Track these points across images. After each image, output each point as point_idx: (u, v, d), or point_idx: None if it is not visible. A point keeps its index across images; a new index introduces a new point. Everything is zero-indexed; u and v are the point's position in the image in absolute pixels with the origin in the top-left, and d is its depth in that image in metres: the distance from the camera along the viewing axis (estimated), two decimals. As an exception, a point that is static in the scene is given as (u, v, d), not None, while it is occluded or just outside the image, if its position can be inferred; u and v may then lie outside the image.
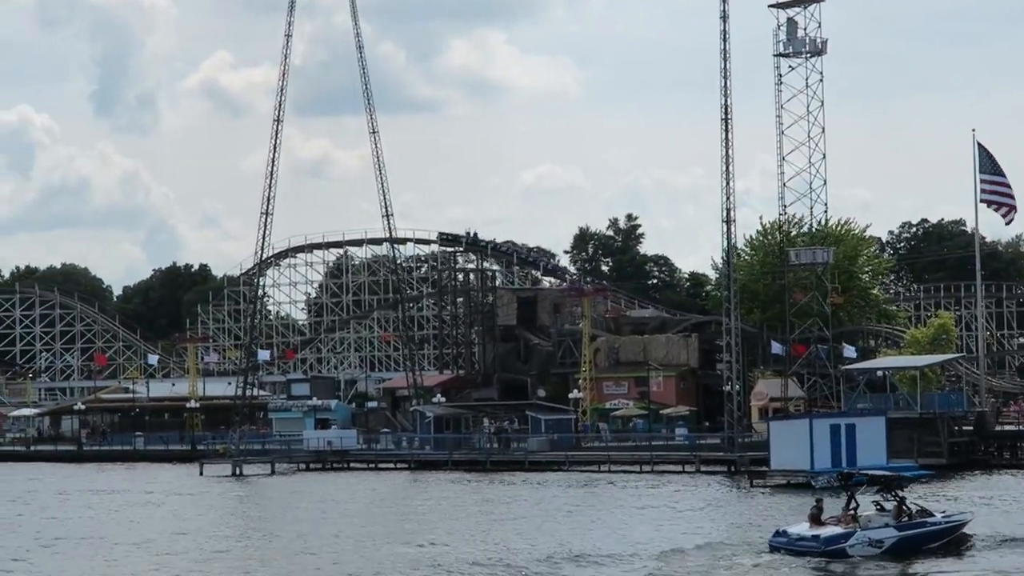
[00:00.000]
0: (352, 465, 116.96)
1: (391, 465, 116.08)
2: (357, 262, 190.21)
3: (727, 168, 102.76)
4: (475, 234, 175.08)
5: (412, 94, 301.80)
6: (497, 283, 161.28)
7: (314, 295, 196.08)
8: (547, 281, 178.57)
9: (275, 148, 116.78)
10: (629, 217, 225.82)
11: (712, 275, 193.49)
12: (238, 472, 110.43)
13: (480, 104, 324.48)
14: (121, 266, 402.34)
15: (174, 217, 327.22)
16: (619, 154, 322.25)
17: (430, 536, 64.27)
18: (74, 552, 62.23)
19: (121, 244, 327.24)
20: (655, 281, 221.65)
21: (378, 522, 72.18)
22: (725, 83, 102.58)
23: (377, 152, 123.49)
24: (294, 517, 75.49)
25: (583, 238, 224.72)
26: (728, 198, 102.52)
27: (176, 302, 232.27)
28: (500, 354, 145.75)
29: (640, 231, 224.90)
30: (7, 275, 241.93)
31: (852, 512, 53.67)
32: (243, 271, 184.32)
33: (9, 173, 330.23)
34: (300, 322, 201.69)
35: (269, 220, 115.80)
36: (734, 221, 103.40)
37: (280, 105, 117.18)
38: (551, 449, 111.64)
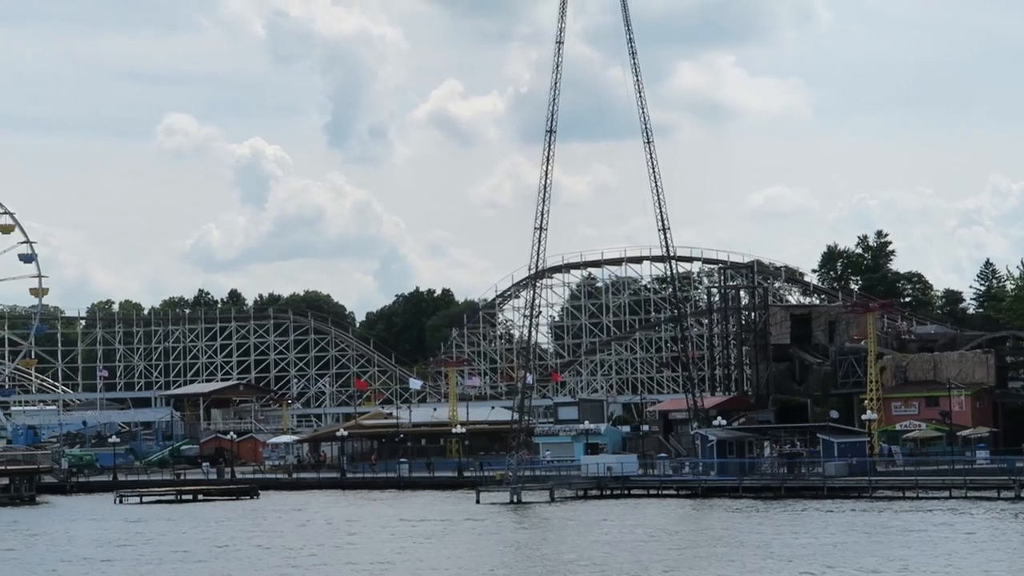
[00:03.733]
0: (632, 491, 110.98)
1: (673, 491, 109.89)
2: (599, 284, 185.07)
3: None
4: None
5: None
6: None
7: (560, 317, 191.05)
8: (792, 298, 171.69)
9: (548, 160, 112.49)
10: (879, 234, 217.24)
11: (968, 292, 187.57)
12: (516, 499, 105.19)
13: (708, 127, 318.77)
14: (353, 295, 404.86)
15: (405, 246, 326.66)
16: (846, 174, 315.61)
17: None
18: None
19: (353, 273, 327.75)
20: (908, 299, 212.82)
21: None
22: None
23: (652, 163, 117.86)
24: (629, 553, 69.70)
25: (831, 256, 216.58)
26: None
27: (419, 327, 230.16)
28: (774, 374, 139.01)
29: (891, 248, 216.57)
30: (250, 303, 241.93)
31: None
32: (499, 292, 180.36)
33: (244, 205, 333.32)
34: (545, 345, 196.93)
35: (543, 235, 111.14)
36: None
37: (552, 116, 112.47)
38: (849, 474, 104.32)
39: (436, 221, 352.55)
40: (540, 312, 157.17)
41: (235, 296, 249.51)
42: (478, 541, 78.59)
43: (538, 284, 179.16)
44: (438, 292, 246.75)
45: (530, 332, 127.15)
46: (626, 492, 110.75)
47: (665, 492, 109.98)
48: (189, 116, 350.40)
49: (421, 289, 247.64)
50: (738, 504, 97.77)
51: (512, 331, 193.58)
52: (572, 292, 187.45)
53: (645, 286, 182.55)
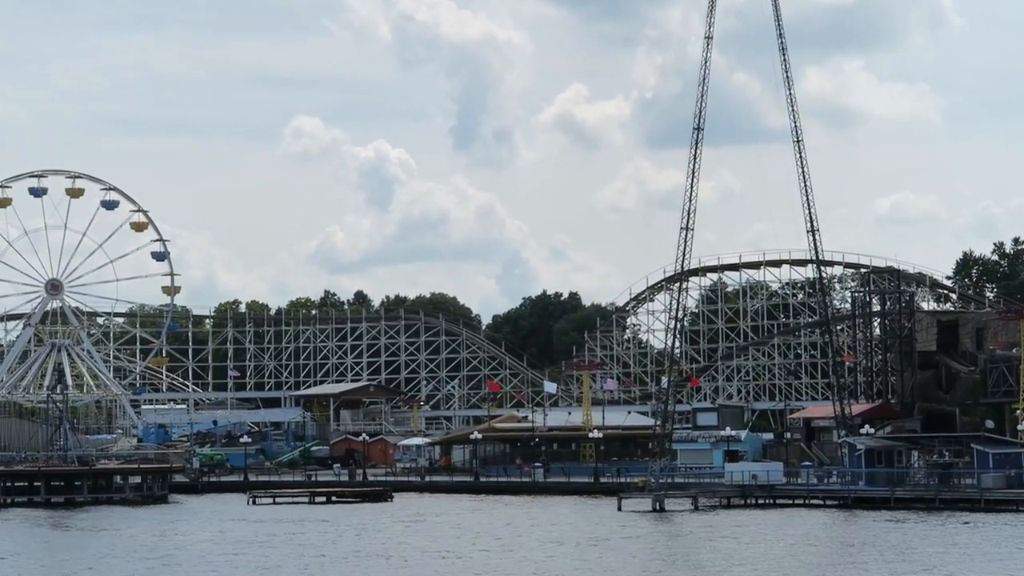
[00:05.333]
0: (778, 501, 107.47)
1: (819, 501, 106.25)
2: (730, 288, 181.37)
3: None
4: None
5: (766, 124, 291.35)
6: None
7: (693, 321, 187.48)
8: (925, 305, 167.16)
9: (695, 158, 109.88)
10: (1016, 241, 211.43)
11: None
12: (659, 507, 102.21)
13: (835, 133, 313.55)
14: (476, 298, 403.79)
15: (528, 250, 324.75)
16: (973, 181, 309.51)
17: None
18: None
19: (476, 277, 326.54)
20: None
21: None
22: None
23: (802, 163, 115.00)
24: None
25: (966, 263, 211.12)
26: None
27: (546, 330, 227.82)
28: (919, 382, 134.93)
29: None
30: (376, 304, 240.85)
31: None
32: (633, 295, 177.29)
33: (369, 208, 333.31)
34: (676, 349, 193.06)
35: (690, 236, 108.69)
36: None
37: (700, 113, 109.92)
38: (1006, 486, 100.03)
39: (559, 225, 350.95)
40: (685, 316, 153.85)
41: (361, 297, 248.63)
42: (638, 550, 76.12)
43: (676, 287, 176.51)
44: (564, 295, 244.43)
45: (674, 334, 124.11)
46: (771, 501, 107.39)
47: (812, 502, 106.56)
48: (316, 119, 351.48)
49: (546, 292, 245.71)
50: (895, 515, 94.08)
51: (642, 335, 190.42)
52: (706, 296, 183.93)
53: (776, 291, 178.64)
